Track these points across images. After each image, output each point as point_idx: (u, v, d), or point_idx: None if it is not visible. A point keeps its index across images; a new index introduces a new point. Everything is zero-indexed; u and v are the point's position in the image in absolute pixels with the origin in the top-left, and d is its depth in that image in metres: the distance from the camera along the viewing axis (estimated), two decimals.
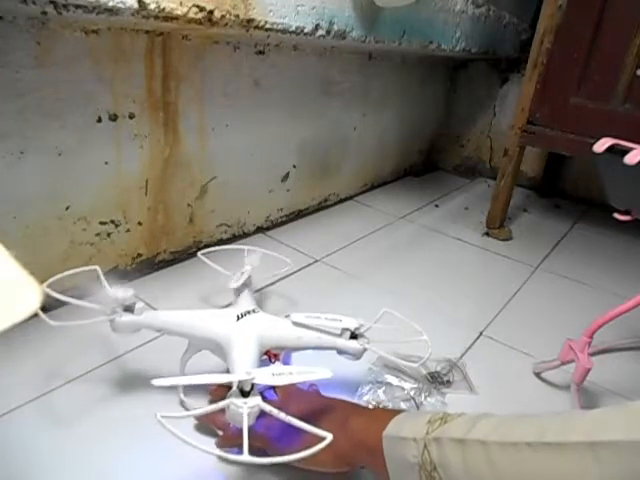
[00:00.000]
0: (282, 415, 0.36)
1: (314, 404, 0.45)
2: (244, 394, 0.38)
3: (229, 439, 0.46)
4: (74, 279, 0.50)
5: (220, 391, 0.49)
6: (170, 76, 0.69)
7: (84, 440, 0.46)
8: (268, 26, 0.61)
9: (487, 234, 1.07)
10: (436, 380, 0.59)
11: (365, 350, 0.50)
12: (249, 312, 0.52)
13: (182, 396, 0.51)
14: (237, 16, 0.57)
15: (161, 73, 0.67)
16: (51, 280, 0.48)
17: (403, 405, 0.55)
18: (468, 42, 1.07)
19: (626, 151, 0.53)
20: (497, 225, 1.06)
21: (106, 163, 0.65)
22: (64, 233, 0.64)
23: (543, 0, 0.91)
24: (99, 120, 0.63)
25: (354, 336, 0.50)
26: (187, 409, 0.50)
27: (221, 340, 0.48)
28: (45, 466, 0.43)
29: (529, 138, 0.97)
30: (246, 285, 0.59)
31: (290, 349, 0.52)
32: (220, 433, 0.47)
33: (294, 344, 0.50)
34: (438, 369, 0.61)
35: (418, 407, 0.54)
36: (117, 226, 0.70)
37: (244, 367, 0.43)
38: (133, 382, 0.54)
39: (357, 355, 0.50)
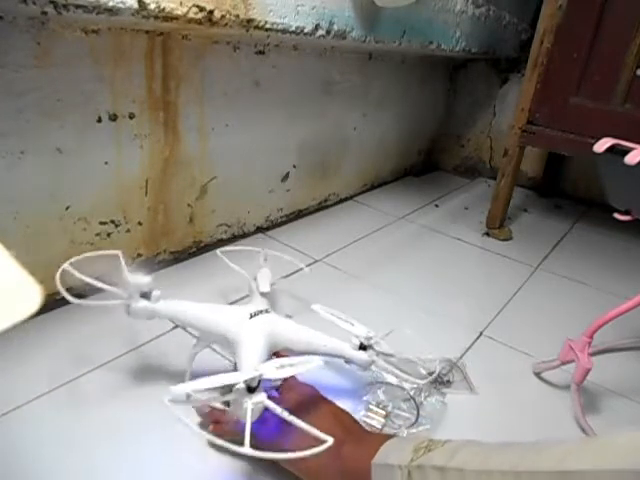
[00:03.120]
0: (285, 414, 0.36)
1: (318, 415, 0.45)
2: (250, 390, 0.38)
3: (225, 433, 0.45)
4: (94, 264, 0.51)
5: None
6: (170, 76, 0.69)
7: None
8: (268, 26, 0.61)
9: (487, 234, 1.07)
10: (436, 380, 0.59)
11: (373, 362, 0.51)
12: (262, 311, 0.52)
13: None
14: (237, 16, 0.57)
15: (161, 73, 0.67)
16: (73, 259, 0.49)
17: (403, 405, 0.55)
18: (468, 42, 1.07)
19: (626, 151, 0.53)
20: (497, 225, 1.06)
21: (106, 163, 0.65)
22: (64, 233, 0.64)
23: (543, 0, 0.91)
24: (99, 120, 0.63)
25: (363, 347, 0.51)
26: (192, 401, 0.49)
27: (232, 336, 0.48)
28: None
29: (529, 138, 0.97)
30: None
31: (298, 353, 0.52)
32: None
33: (303, 349, 0.50)
34: (438, 369, 0.61)
35: (418, 407, 0.54)
36: (117, 226, 0.70)
37: (252, 364, 0.43)
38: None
39: (364, 366, 0.51)
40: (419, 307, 0.76)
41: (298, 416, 0.38)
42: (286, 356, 0.51)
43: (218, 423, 0.47)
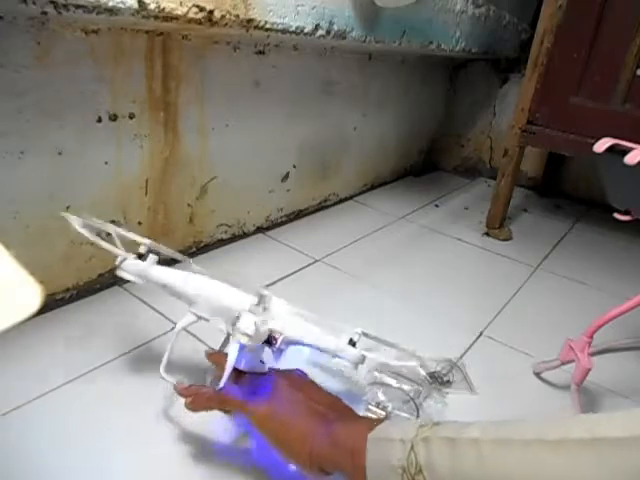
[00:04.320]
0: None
1: (311, 393, 0.44)
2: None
3: (202, 402, 0.44)
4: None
5: (216, 357, 0.48)
6: (170, 76, 0.69)
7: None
8: (268, 26, 0.61)
9: (487, 234, 1.07)
10: (436, 380, 0.59)
11: (364, 358, 0.48)
12: (264, 295, 0.49)
13: (163, 371, 0.48)
14: (237, 16, 0.57)
15: (161, 73, 0.67)
16: (74, 216, 0.49)
17: (403, 406, 0.55)
18: (468, 42, 1.07)
19: (626, 151, 0.53)
20: (497, 225, 1.06)
21: (106, 163, 0.65)
22: (64, 233, 0.64)
23: (543, 0, 0.91)
24: (99, 120, 0.63)
25: (352, 343, 0.48)
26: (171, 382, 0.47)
27: (230, 305, 0.46)
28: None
29: (529, 138, 0.97)
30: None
31: (291, 340, 0.48)
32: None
33: (297, 336, 0.47)
34: (438, 369, 0.61)
35: (418, 408, 0.54)
36: (117, 226, 0.70)
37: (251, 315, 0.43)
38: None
39: (355, 362, 0.48)
40: (419, 307, 0.76)
41: (292, 393, 0.40)
42: (277, 338, 0.49)
43: (196, 395, 0.45)
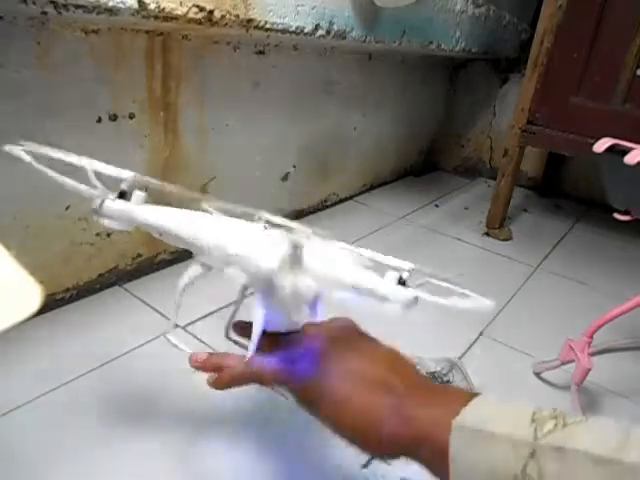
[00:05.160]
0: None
1: (367, 352, 0.35)
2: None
3: (228, 379, 0.36)
4: None
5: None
6: (170, 76, 0.69)
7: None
8: (268, 26, 0.61)
9: (487, 234, 1.07)
10: (436, 380, 0.59)
11: (417, 300, 0.37)
12: (296, 244, 0.36)
13: (171, 337, 0.40)
14: (237, 16, 0.57)
15: (161, 73, 0.67)
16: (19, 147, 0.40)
17: None
18: (468, 42, 1.07)
19: (626, 151, 0.53)
20: (497, 225, 1.06)
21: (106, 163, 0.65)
22: (64, 233, 0.64)
23: (543, 0, 0.91)
24: (99, 120, 0.63)
25: (402, 282, 0.38)
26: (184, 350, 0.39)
27: (248, 253, 0.35)
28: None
29: (529, 138, 0.97)
30: None
31: (321, 283, 0.36)
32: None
33: (327, 277, 0.35)
34: (438, 369, 0.61)
35: None
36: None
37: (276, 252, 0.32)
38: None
39: (408, 305, 0.37)
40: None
41: (342, 356, 0.31)
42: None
43: (220, 370, 0.36)
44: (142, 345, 0.60)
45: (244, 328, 0.38)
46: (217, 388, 0.36)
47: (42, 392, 0.51)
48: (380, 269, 0.37)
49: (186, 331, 0.62)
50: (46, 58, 0.55)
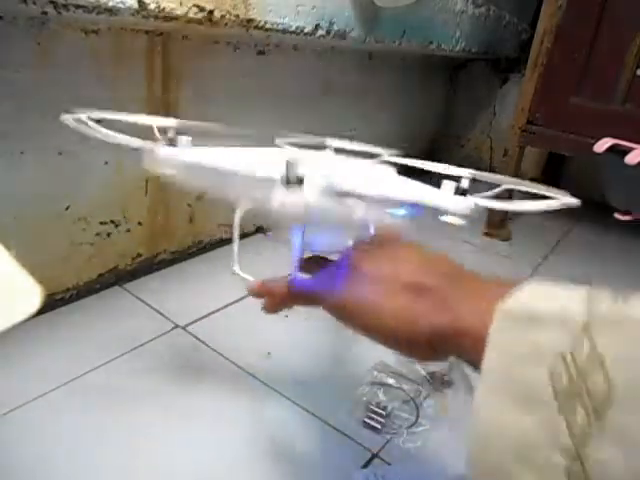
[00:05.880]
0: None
1: (401, 254, 0.35)
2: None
3: (276, 303, 0.38)
4: None
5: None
6: (170, 76, 0.69)
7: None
8: (268, 26, 0.61)
9: (487, 234, 1.07)
10: (436, 380, 0.59)
11: (479, 209, 0.35)
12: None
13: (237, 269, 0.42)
14: (237, 16, 0.57)
15: (161, 73, 0.67)
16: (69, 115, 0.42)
17: (403, 406, 0.55)
18: (468, 42, 1.07)
19: (626, 151, 0.53)
20: (497, 225, 1.06)
21: (106, 163, 0.65)
22: (64, 233, 0.64)
23: (543, 0, 0.91)
24: (99, 120, 0.62)
25: (462, 192, 0.36)
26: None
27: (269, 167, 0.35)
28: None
29: (529, 138, 0.97)
30: None
31: (374, 202, 0.35)
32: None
33: (379, 195, 0.34)
34: (438, 369, 0.61)
35: (418, 408, 0.54)
36: (117, 226, 0.70)
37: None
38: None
39: (468, 216, 0.35)
40: None
41: (374, 263, 0.30)
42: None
43: (272, 295, 0.38)
44: (142, 345, 0.60)
45: (309, 262, 0.39)
46: (267, 312, 0.38)
47: (42, 392, 0.51)
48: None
49: (186, 331, 0.62)
50: (46, 58, 0.55)
